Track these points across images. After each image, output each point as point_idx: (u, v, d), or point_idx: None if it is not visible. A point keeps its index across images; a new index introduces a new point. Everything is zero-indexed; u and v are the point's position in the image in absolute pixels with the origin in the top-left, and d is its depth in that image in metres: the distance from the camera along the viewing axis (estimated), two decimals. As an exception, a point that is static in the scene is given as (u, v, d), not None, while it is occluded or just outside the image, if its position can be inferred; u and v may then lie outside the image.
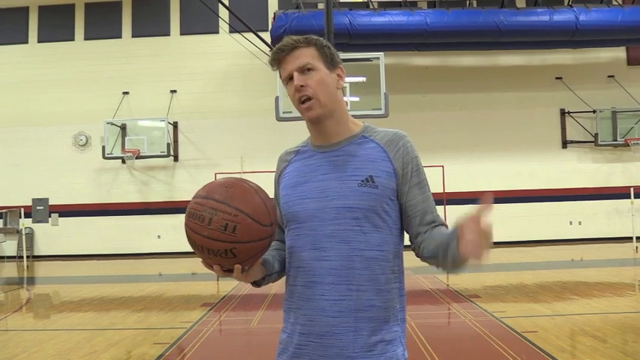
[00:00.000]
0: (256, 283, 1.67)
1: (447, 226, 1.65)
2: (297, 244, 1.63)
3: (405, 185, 1.63)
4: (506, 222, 15.49)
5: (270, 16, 15.25)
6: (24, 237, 15.47)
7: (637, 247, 13.24)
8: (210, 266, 1.53)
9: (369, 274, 1.58)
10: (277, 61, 1.66)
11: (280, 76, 1.70)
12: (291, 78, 1.63)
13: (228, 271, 1.53)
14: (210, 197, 1.52)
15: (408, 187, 1.63)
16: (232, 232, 1.47)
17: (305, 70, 1.62)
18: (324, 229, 1.58)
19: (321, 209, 1.59)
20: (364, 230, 1.58)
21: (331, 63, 1.66)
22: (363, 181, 1.59)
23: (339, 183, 1.60)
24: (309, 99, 1.61)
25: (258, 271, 1.62)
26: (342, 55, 11.45)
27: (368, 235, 1.58)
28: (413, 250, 1.70)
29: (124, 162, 16.13)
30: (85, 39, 16.74)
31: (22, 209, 14.63)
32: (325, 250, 1.58)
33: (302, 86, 1.60)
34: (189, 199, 1.55)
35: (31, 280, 12.43)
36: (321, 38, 1.69)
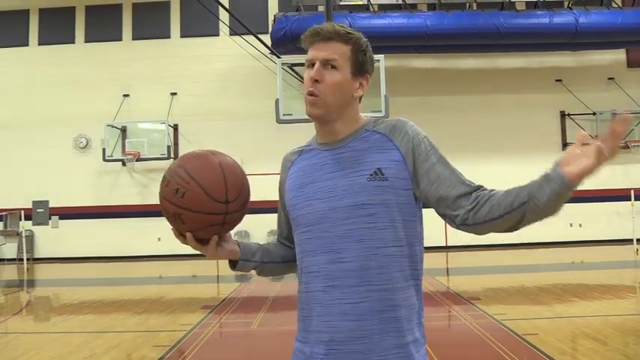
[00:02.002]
0: (232, 264, 1.67)
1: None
2: (308, 247, 1.55)
3: (420, 169, 1.53)
4: (506, 224, 15.47)
5: (271, 18, 15.27)
6: (24, 239, 15.45)
7: (637, 250, 13.22)
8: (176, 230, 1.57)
9: (389, 273, 1.50)
10: (309, 42, 1.58)
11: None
12: (312, 65, 1.56)
13: (182, 237, 1.56)
14: (177, 161, 1.59)
15: (426, 168, 1.53)
16: (182, 197, 1.51)
17: (328, 64, 1.54)
18: (337, 230, 1.51)
19: (331, 209, 1.52)
20: (379, 227, 1.50)
21: (359, 69, 1.57)
22: (371, 175, 1.51)
23: (347, 180, 1.52)
24: (314, 95, 1.54)
25: (228, 250, 1.62)
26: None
27: (384, 232, 1.51)
28: (460, 223, 1.50)
29: (124, 164, 16.14)
30: (86, 41, 16.75)
31: (23, 212, 14.62)
32: (341, 252, 1.50)
33: (316, 80, 1.53)
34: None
35: (31, 283, 12.42)
36: (364, 39, 1.60)
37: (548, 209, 1.40)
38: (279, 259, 1.75)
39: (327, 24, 1.58)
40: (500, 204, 1.44)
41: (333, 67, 1.54)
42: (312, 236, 1.54)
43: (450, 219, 1.53)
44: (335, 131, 1.59)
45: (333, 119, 1.57)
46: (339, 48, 1.54)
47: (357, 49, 1.57)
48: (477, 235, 1.58)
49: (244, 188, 1.57)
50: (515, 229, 1.48)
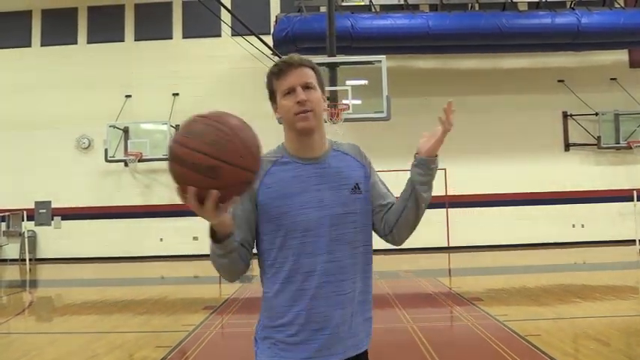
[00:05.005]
0: (218, 238, 1.65)
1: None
2: (307, 250, 1.77)
3: (372, 184, 1.91)
4: (508, 224, 15.45)
5: (273, 19, 15.28)
6: (26, 240, 15.44)
7: (640, 250, 13.21)
8: (185, 190, 1.48)
9: (363, 266, 1.85)
10: (283, 72, 1.81)
11: (272, 87, 1.84)
12: (292, 91, 1.79)
13: (200, 201, 1.48)
14: (210, 116, 1.50)
15: (372, 184, 1.90)
16: (223, 148, 1.43)
17: (307, 87, 1.80)
18: (331, 234, 1.78)
19: (324, 217, 1.78)
20: (359, 230, 1.84)
21: (322, 87, 1.86)
22: (352, 189, 1.84)
23: (334, 192, 1.81)
24: (308, 111, 1.78)
25: (228, 220, 1.64)
26: (344, 58, 11.48)
27: (361, 234, 1.85)
28: (383, 235, 1.91)
29: (126, 165, 16.16)
30: (88, 42, 16.78)
31: (25, 212, 14.65)
32: (334, 252, 1.78)
33: (306, 100, 1.78)
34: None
35: (34, 283, 12.44)
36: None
37: (426, 184, 1.82)
38: (242, 256, 1.79)
39: (292, 55, 1.85)
40: (399, 202, 1.87)
41: (311, 87, 1.81)
42: (309, 240, 1.77)
43: (377, 223, 1.90)
44: (314, 146, 1.85)
45: (315, 131, 1.83)
46: (309, 72, 1.83)
47: (317, 71, 1.86)
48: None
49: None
50: (418, 220, 1.86)
